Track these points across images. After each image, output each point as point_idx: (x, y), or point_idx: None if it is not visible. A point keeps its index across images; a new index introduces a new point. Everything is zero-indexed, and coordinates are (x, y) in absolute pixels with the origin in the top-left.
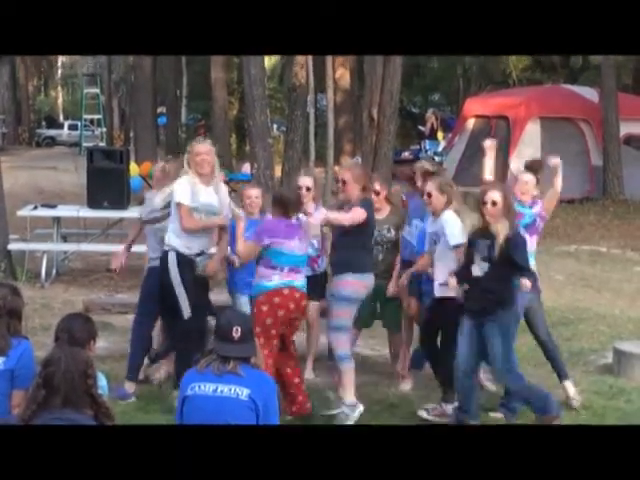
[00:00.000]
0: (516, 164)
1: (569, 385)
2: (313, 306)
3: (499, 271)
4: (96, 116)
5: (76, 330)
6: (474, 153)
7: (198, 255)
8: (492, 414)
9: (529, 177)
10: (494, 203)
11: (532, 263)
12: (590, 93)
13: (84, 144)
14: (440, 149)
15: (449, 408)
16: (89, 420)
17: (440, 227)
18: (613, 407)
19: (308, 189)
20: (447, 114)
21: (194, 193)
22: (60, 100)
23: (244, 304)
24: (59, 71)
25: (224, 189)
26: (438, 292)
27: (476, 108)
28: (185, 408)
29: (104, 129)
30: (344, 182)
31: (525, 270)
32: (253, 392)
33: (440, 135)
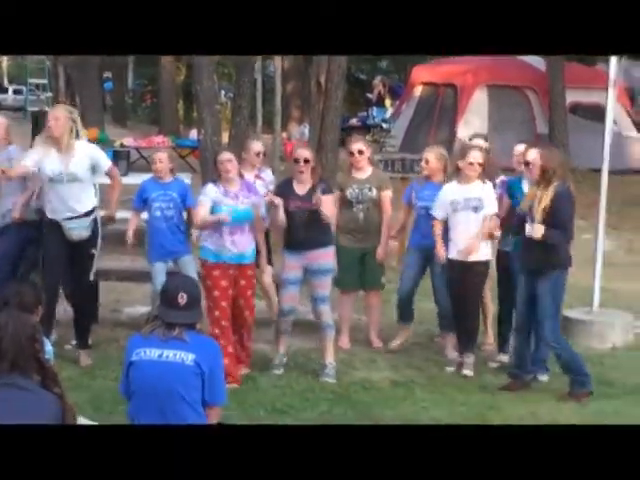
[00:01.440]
0: (463, 132)
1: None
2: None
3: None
4: (42, 81)
5: (24, 295)
6: (421, 121)
7: (68, 219)
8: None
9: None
10: (527, 163)
11: None
12: (537, 61)
13: (29, 109)
14: (387, 116)
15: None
16: (36, 386)
17: (478, 195)
18: (558, 374)
19: (258, 154)
20: (395, 81)
21: (38, 161)
22: (4, 64)
23: (158, 271)
24: None
25: (82, 152)
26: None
27: (424, 75)
28: (131, 373)
29: (49, 94)
30: (307, 161)
31: (562, 228)
32: (198, 357)
33: (388, 102)
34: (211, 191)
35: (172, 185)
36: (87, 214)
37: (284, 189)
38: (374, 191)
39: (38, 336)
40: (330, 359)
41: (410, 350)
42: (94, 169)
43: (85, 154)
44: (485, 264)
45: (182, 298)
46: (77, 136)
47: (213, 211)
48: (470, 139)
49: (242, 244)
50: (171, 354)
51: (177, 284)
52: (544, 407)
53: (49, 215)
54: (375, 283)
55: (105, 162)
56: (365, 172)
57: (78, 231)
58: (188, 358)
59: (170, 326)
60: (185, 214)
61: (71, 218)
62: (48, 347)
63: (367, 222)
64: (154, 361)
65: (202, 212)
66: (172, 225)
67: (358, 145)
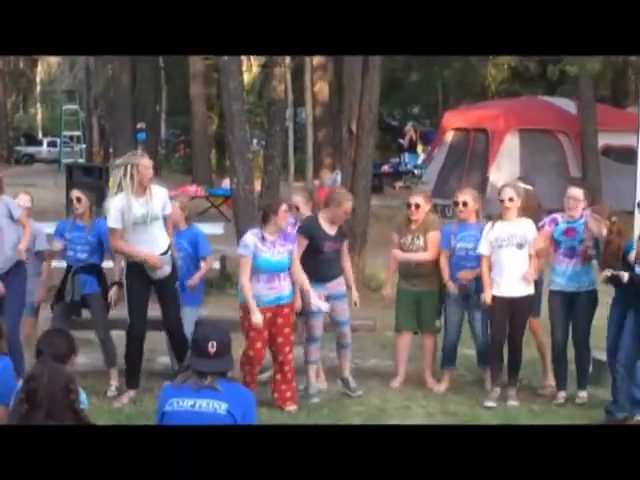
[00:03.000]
0: (495, 177)
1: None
2: None
3: None
4: (75, 133)
5: (57, 346)
6: (453, 166)
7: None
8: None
9: (578, 192)
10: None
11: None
12: (568, 105)
13: (63, 161)
14: (419, 162)
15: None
16: None
17: (522, 232)
18: (592, 418)
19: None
20: (426, 127)
21: (126, 211)
22: (39, 117)
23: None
24: (38, 87)
25: (156, 194)
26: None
27: (455, 121)
28: (164, 423)
29: (84, 145)
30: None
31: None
32: (231, 406)
33: (420, 148)
34: (250, 242)
35: (184, 234)
36: (165, 251)
37: (314, 229)
38: (421, 239)
39: (72, 386)
40: (346, 373)
41: (444, 396)
42: (164, 208)
43: (159, 195)
44: (531, 298)
45: (212, 347)
46: None
47: (253, 259)
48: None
49: (279, 288)
50: (204, 403)
51: (207, 333)
52: None
53: (133, 258)
54: (429, 326)
55: (170, 204)
56: (418, 222)
57: (158, 270)
58: (221, 407)
59: (202, 375)
60: (202, 263)
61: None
62: (82, 397)
63: (418, 269)
64: (187, 411)
65: (245, 276)
66: (181, 274)
67: (415, 199)
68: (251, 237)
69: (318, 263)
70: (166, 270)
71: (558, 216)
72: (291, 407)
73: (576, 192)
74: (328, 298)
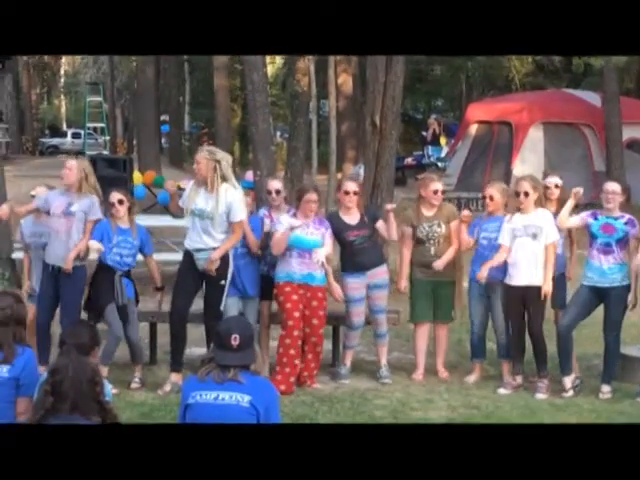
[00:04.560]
0: (519, 170)
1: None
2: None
3: None
4: (99, 124)
5: (81, 337)
6: (477, 159)
7: (198, 250)
8: None
9: (615, 186)
10: None
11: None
12: (593, 98)
13: (87, 152)
14: (443, 155)
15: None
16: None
17: (537, 223)
18: (618, 411)
19: (355, 193)
20: (450, 120)
21: (189, 197)
22: (63, 109)
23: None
24: (62, 79)
25: (226, 196)
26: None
27: (479, 114)
28: (187, 416)
29: (107, 137)
30: (356, 193)
31: None
32: (254, 398)
33: (443, 141)
34: (285, 221)
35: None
36: (215, 248)
37: (335, 224)
38: (443, 227)
39: (98, 379)
40: (384, 361)
41: (467, 389)
42: (228, 214)
43: (224, 198)
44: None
45: (235, 340)
46: (225, 179)
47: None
48: (544, 177)
49: (309, 265)
50: (227, 396)
51: (230, 326)
52: None
53: (185, 244)
54: (445, 317)
55: (237, 214)
56: (433, 209)
57: (204, 262)
58: (244, 399)
59: (225, 368)
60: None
61: (201, 250)
62: (107, 389)
63: (438, 257)
64: (210, 404)
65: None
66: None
67: (438, 185)
68: (286, 217)
69: (351, 253)
70: (201, 265)
71: (598, 211)
72: (318, 384)
73: (614, 187)
74: (367, 287)
